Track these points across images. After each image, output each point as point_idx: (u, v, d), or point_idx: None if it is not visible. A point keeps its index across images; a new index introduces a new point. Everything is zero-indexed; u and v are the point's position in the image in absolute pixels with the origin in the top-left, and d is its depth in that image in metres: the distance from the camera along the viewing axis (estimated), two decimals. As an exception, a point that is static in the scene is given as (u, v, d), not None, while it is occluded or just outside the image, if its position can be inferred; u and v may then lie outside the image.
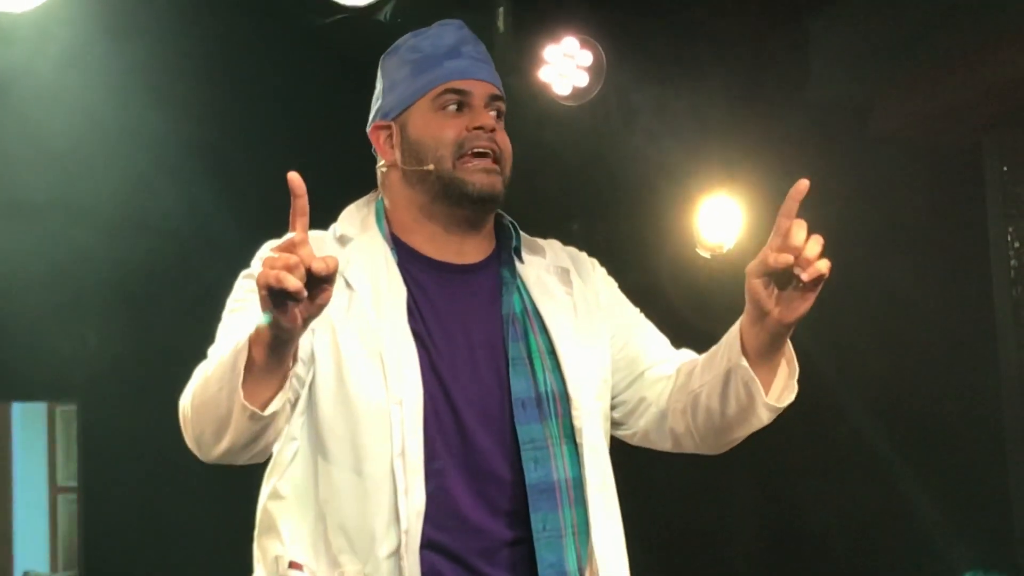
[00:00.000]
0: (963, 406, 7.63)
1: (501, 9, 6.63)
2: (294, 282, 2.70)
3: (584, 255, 3.76)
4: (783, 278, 3.18)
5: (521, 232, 3.60)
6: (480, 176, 3.38)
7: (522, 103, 6.59)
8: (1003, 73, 6.96)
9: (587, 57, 6.74)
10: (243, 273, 3.41)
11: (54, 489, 11.58)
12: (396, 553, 3.22)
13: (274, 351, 2.91)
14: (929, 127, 7.53)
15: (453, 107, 3.43)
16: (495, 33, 6.67)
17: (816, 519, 8.59)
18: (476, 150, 3.39)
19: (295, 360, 3.00)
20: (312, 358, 3.30)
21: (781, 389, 3.41)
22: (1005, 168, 7.24)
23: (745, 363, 3.31)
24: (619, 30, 6.77)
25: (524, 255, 3.59)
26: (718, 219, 7.87)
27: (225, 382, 2.98)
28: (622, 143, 7.36)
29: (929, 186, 7.66)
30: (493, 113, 3.45)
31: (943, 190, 7.62)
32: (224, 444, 3.08)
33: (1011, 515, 7.23)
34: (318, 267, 2.71)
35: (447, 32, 3.52)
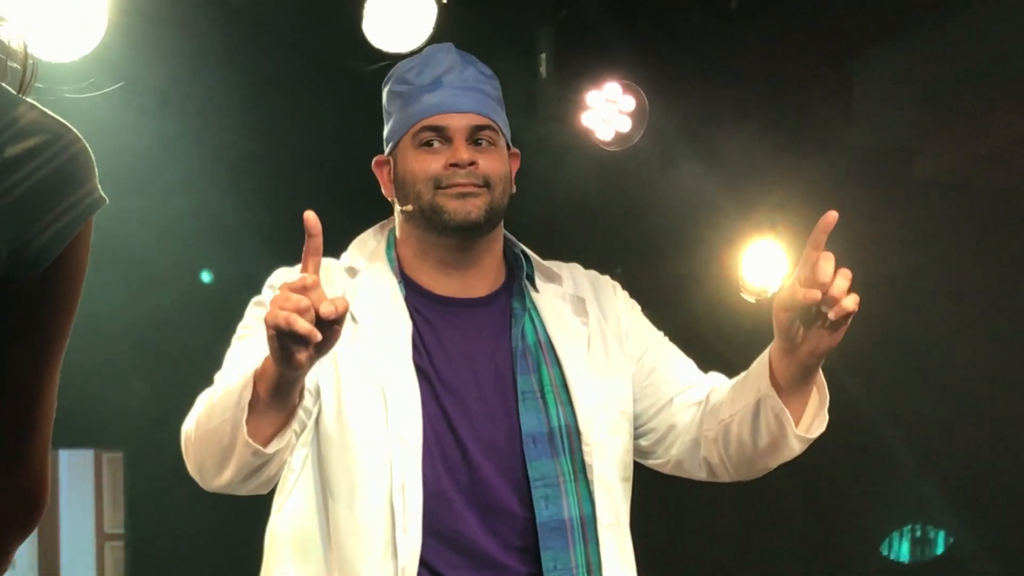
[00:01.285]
0: (1006, 445, 7.61)
1: (543, 55, 6.65)
2: (304, 325, 2.70)
3: (606, 278, 3.76)
4: (811, 313, 3.16)
5: (536, 259, 3.61)
6: (455, 203, 3.35)
7: (565, 149, 6.62)
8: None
9: (629, 102, 6.74)
10: (253, 300, 3.45)
11: (101, 536, 11.59)
12: None
13: (279, 389, 2.92)
14: (974, 170, 7.52)
15: (431, 143, 3.41)
16: (538, 78, 6.70)
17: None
18: (453, 186, 3.36)
19: (301, 396, 3.01)
20: (318, 391, 3.29)
21: (812, 418, 3.39)
22: (1056, 211, 7.23)
23: (774, 394, 3.30)
24: (661, 75, 6.77)
25: (539, 283, 3.58)
26: (763, 263, 7.86)
27: (228, 416, 2.98)
28: (665, 188, 7.36)
29: (974, 229, 7.64)
30: (475, 143, 3.40)
31: (988, 233, 7.60)
32: (225, 476, 3.10)
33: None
34: (327, 311, 2.71)
35: (434, 59, 3.47)
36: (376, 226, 3.63)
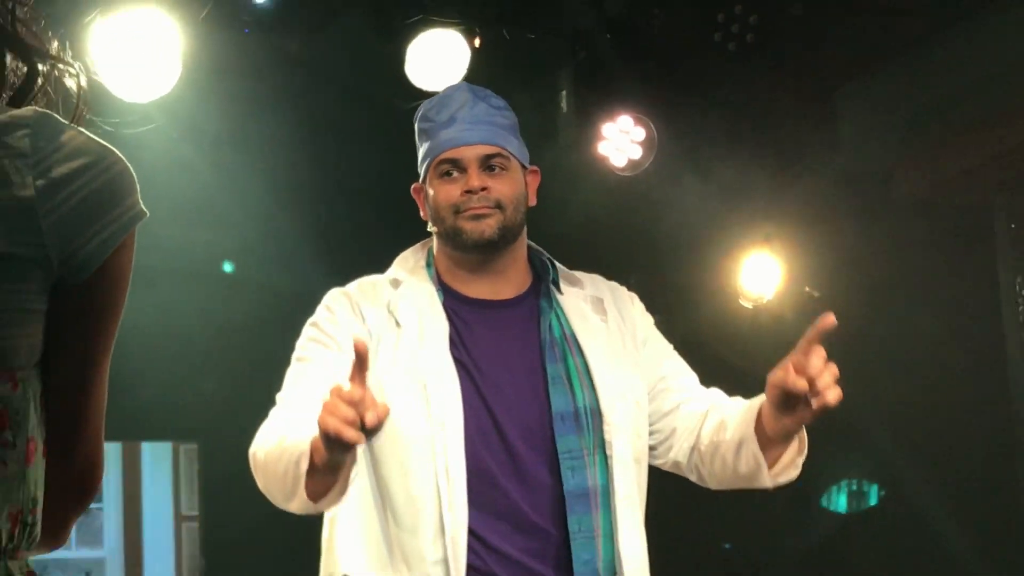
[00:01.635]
0: (978, 435, 7.59)
1: (564, 92, 6.67)
2: (352, 435, 2.72)
3: (624, 289, 3.78)
4: (798, 396, 3.15)
5: (560, 267, 3.63)
6: (471, 224, 3.41)
7: (583, 174, 6.62)
8: (1010, 141, 6.92)
9: (640, 133, 6.74)
10: (309, 321, 3.48)
11: (178, 517, 11.64)
12: (443, 561, 3.25)
13: (330, 464, 2.93)
14: (946, 190, 7.50)
15: (445, 174, 3.47)
16: (559, 112, 6.70)
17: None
18: (468, 210, 3.42)
19: (353, 460, 3.00)
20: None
21: (786, 465, 3.40)
22: (1013, 225, 7.20)
23: (755, 442, 3.34)
24: (669, 108, 6.77)
25: (563, 287, 3.60)
26: (759, 273, 7.86)
27: (290, 475, 3.03)
28: (673, 208, 7.36)
29: (946, 242, 7.63)
30: (487, 169, 3.45)
31: (959, 246, 7.59)
32: (291, 508, 3.16)
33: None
34: (371, 421, 2.72)
35: (450, 98, 3.53)
36: (416, 245, 3.67)
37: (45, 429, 1.70)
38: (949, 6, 6.72)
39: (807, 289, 7.98)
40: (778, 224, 7.82)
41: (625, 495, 3.42)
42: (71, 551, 12.00)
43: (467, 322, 3.47)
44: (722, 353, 7.93)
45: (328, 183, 7.44)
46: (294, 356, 3.47)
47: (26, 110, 1.67)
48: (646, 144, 6.77)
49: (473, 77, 6.08)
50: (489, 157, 3.46)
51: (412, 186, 3.62)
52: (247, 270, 8.26)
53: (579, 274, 3.69)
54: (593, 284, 3.68)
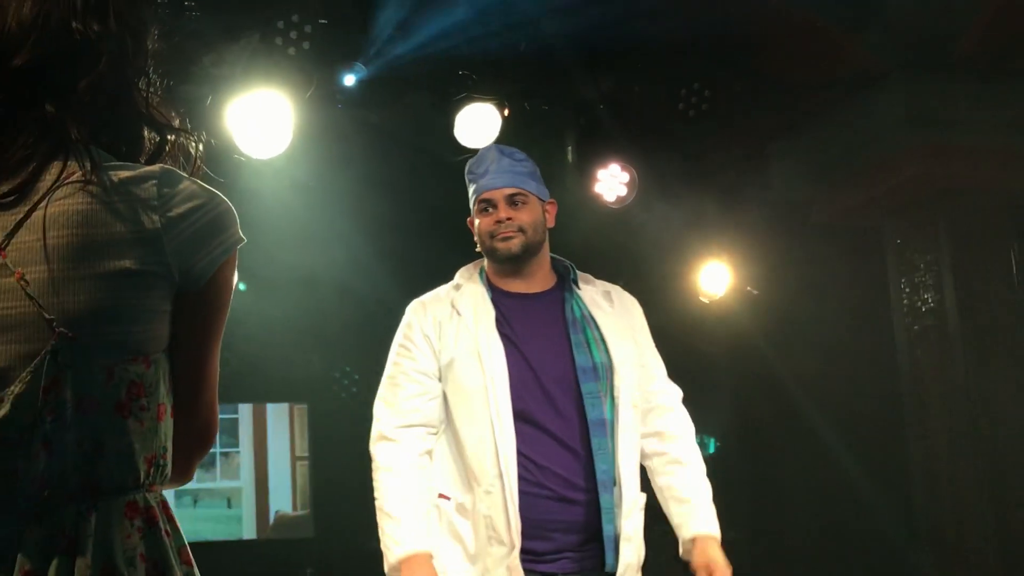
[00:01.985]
0: (873, 397, 7.59)
1: (569, 147, 6.66)
2: None
3: (629, 295, 3.80)
4: None
5: (577, 271, 3.70)
6: (501, 245, 3.55)
7: (582, 207, 6.62)
8: (894, 180, 6.92)
9: (626, 176, 6.74)
10: (396, 341, 3.62)
11: (293, 458, 11.62)
12: (500, 475, 3.34)
13: None
14: (848, 216, 7.49)
15: (484, 210, 3.60)
16: (565, 162, 6.70)
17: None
18: (498, 235, 3.56)
19: None
20: (440, 368, 3.49)
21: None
22: (899, 240, 7.17)
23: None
24: (647, 158, 6.78)
25: (580, 284, 3.68)
26: (713, 277, 7.85)
27: (386, 542, 3.38)
28: (649, 231, 7.36)
29: (849, 254, 7.63)
30: (511, 204, 3.57)
31: (858, 257, 7.59)
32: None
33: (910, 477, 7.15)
34: None
35: (484, 156, 3.66)
36: (473, 262, 3.75)
37: (172, 397, 1.73)
38: (848, 84, 6.73)
39: (749, 288, 7.98)
40: (728, 241, 7.81)
41: (624, 426, 3.45)
42: (216, 482, 12.00)
43: (509, 308, 3.56)
44: (685, 335, 7.93)
45: (398, 216, 7.45)
46: (386, 372, 3.59)
47: (155, 166, 1.71)
48: (630, 185, 6.76)
49: (503, 137, 6.09)
50: (513, 195, 3.56)
51: (467, 219, 3.70)
52: (339, 280, 8.28)
53: (591, 278, 3.77)
54: (603, 284, 3.75)
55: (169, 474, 1.73)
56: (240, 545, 11.22)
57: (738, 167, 7.43)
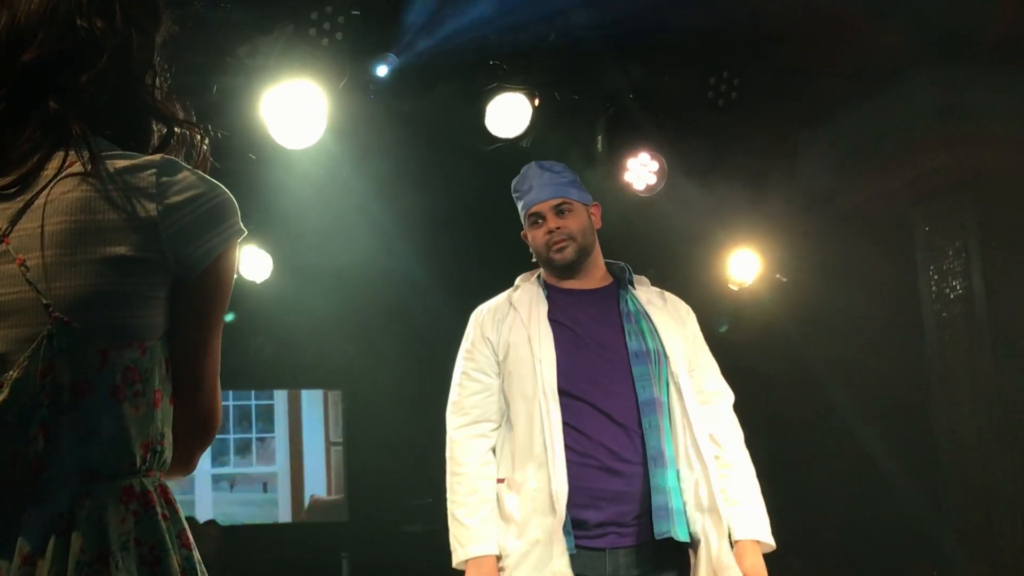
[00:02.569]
0: (901, 381, 7.58)
1: (600, 136, 6.66)
2: None
3: (683, 303, 3.88)
4: None
5: (633, 273, 3.81)
6: (555, 255, 3.71)
7: (613, 195, 6.62)
8: (923, 167, 6.91)
9: (655, 165, 6.72)
10: (462, 349, 3.75)
11: (327, 443, 11.69)
12: (545, 447, 3.45)
13: None
14: (876, 204, 7.48)
15: (534, 223, 3.76)
16: (596, 151, 6.70)
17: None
18: (552, 245, 3.71)
19: None
20: (498, 364, 3.64)
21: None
22: (927, 228, 7.16)
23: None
24: (676, 147, 6.77)
25: (636, 284, 3.80)
26: (742, 264, 7.86)
27: (456, 540, 3.52)
28: (679, 219, 7.34)
29: (877, 242, 7.61)
30: (558, 214, 3.71)
31: (887, 244, 7.56)
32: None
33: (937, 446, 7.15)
34: None
35: (527, 174, 3.80)
36: (532, 270, 3.88)
37: (170, 385, 1.74)
38: (875, 73, 6.72)
39: (777, 275, 7.98)
40: (756, 229, 7.80)
41: (682, 407, 3.56)
42: (252, 467, 12.10)
43: (563, 301, 3.71)
44: (716, 321, 7.93)
45: (430, 206, 7.48)
46: (456, 366, 3.73)
47: (156, 156, 1.73)
48: (660, 173, 6.75)
49: (534, 128, 6.11)
50: (559, 206, 3.73)
51: (521, 233, 3.85)
52: (372, 269, 8.33)
53: (648, 281, 3.89)
54: (657, 289, 3.87)
55: (168, 461, 1.74)
56: (276, 529, 11.32)
57: (766, 155, 7.42)
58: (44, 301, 1.64)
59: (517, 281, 3.84)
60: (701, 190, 7.10)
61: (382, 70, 5.91)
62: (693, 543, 3.46)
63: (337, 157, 6.35)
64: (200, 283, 1.72)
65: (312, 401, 11.84)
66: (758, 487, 3.66)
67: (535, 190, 3.74)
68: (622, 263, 3.82)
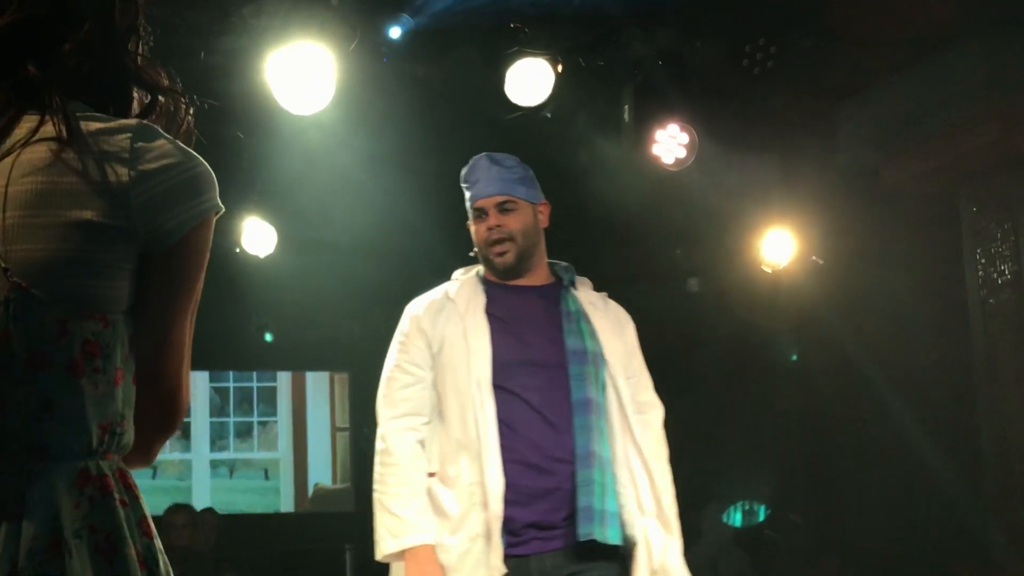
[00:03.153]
0: (946, 369, 7.54)
1: (626, 106, 6.60)
2: None
3: (623, 310, 3.99)
4: None
5: (576, 275, 3.93)
6: (497, 260, 3.80)
7: (639, 169, 6.57)
8: (970, 144, 6.84)
9: (685, 137, 6.66)
10: (395, 340, 3.83)
11: (333, 429, 11.69)
12: (479, 440, 3.56)
13: None
14: (921, 182, 7.42)
15: (478, 217, 3.84)
16: (622, 122, 6.64)
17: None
18: (491, 243, 3.80)
19: None
20: (432, 357, 3.72)
21: None
22: (975, 209, 7.09)
23: None
24: (707, 118, 6.70)
25: (578, 285, 3.91)
26: (776, 245, 7.82)
27: (383, 530, 3.64)
28: (709, 196, 7.33)
29: (921, 222, 7.59)
30: (502, 212, 3.79)
31: (931, 225, 7.55)
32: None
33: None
34: None
35: (476, 166, 3.87)
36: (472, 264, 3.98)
37: (133, 364, 1.73)
38: (922, 42, 6.66)
39: (813, 258, 7.93)
40: (791, 207, 7.77)
41: (619, 410, 3.69)
42: (254, 453, 12.08)
43: (502, 296, 3.80)
44: (748, 305, 7.90)
45: (445, 177, 7.42)
46: (388, 357, 3.81)
47: (132, 120, 1.74)
48: (689, 146, 6.69)
49: (556, 96, 6.05)
50: (502, 203, 3.80)
51: (466, 223, 3.90)
52: (384, 243, 8.28)
53: (590, 283, 3.99)
54: (599, 293, 3.96)
55: (128, 444, 1.73)
56: (277, 518, 11.30)
57: (804, 129, 7.38)
58: (2, 265, 1.62)
59: (455, 274, 3.94)
60: (733, 165, 7.06)
61: (395, 32, 5.87)
62: (628, 546, 3.59)
63: (347, 125, 6.32)
64: (170, 257, 1.72)
65: (317, 384, 11.81)
66: (675, 508, 3.78)
67: (482, 183, 3.82)
68: (566, 263, 3.93)
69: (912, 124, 7.15)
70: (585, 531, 3.50)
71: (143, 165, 1.68)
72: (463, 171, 3.91)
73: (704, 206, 7.51)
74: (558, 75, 6.07)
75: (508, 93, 6.02)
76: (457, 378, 3.63)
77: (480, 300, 3.75)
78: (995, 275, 6.93)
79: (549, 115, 6.19)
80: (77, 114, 1.70)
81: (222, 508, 10.01)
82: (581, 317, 3.77)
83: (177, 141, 1.75)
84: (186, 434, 12.11)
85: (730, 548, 8.69)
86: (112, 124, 1.71)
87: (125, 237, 1.67)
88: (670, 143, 6.68)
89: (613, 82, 6.62)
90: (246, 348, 10.20)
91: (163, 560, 1.71)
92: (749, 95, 6.72)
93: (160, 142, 1.71)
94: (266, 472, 11.92)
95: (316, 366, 11.45)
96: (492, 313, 3.73)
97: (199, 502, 10.28)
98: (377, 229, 8.04)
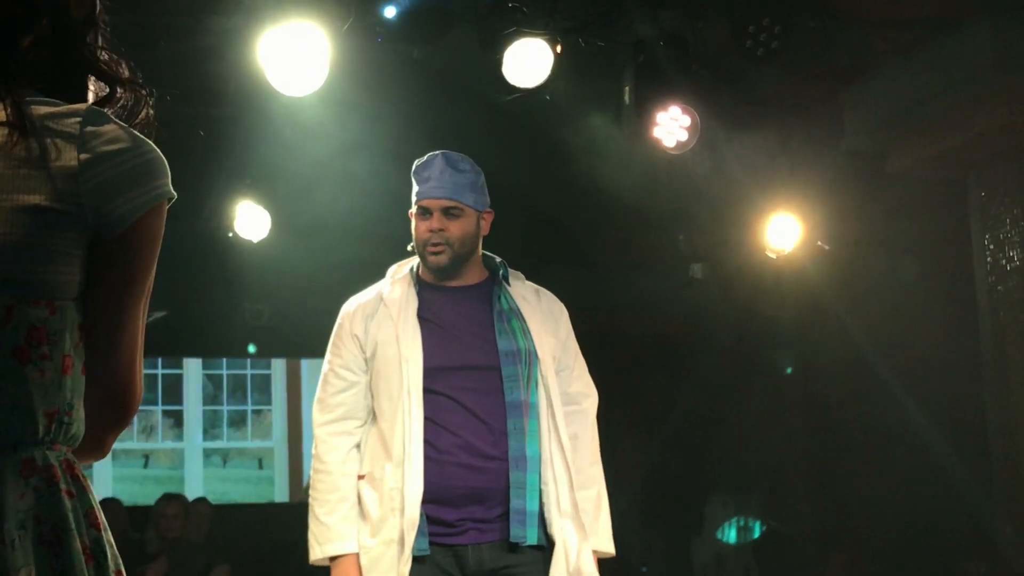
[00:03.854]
0: (952, 355, 7.54)
1: (627, 87, 6.57)
2: None
3: (557, 300, 4.07)
4: None
5: (509, 268, 4.00)
6: (432, 259, 3.86)
7: (639, 152, 6.55)
8: (977, 128, 6.82)
9: (687, 120, 6.62)
10: (330, 343, 3.94)
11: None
12: (404, 443, 3.66)
13: None
14: (928, 166, 7.40)
15: (421, 215, 3.88)
16: (622, 104, 6.62)
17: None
18: (429, 244, 3.85)
19: None
20: (366, 360, 3.82)
21: None
22: (983, 194, 7.09)
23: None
24: (710, 100, 6.68)
25: (511, 281, 3.98)
26: (781, 230, 7.81)
27: (315, 537, 3.75)
28: (712, 180, 7.32)
29: (928, 207, 7.58)
30: (446, 215, 3.84)
31: (939, 210, 7.55)
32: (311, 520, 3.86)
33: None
34: None
35: (430, 164, 3.90)
36: (406, 259, 4.05)
37: (84, 353, 1.74)
38: (930, 24, 6.64)
39: (819, 243, 7.93)
40: (796, 192, 7.77)
41: (544, 407, 3.78)
42: (248, 441, 12.09)
43: (434, 299, 3.88)
44: (751, 293, 7.89)
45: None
46: (325, 364, 3.93)
47: (82, 104, 1.75)
48: (691, 129, 6.66)
49: (555, 77, 6.03)
50: (448, 208, 3.85)
51: (409, 211, 3.97)
52: (379, 227, 8.26)
53: (522, 276, 4.07)
54: (531, 284, 4.05)
55: (78, 435, 1.73)
56: (271, 508, 11.29)
57: (809, 112, 7.36)
58: None
59: (390, 271, 4.01)
60: (737, 148, 7.03)
61: (390, 11, 5.86)
62: (549, 545, 3.71)
63: (341, 106, 6.31)
64: (120, 244, 1.72)
65: (313, 371, 11.80)
66: (606, 495, 3.93)
67: (432, 182, 3.86)
68: (499, 258, 4.00)
69: (919, 107, 7.12)
70: (517, 534, 3.66)
71: (92, 150, 1.69)
72: (417, 162, 3.96)
73: (707, 191, 7.50)
74: (557, 56, 6.04)
75: (506, 74, 5.98)
76: (390, 384, 3.74)
77: (412, 303, 3.84)
78: (1004, 261, 6.92)
79: (548, 97, 6.16)
80: (27, 99, 1.70)
81: (215, 498, 10.02)
82: (514, 315, 3.86)
83: (130, 128, 1.76)
84: (179, 422, 12.11)
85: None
86: (62, 109, 1.72)
87: (75, 223, 1.68)
88: (672, 126, 6.64)
89: (614, 63, 6.60)
90: (240, 335, 10.19)
91: (111, 552, 1.71)
92: (753, 77, 6.69)
93: (110, 127, 1.72)
94: (260, 461, 11.93)
95: (311, 353, 11.40)
96: (424, 317, 3.83)
97: (192, 492, 10.29)
98: (372, 213, 8.02)
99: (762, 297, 8.12)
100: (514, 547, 3.68)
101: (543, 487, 3.71)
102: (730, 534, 8.86)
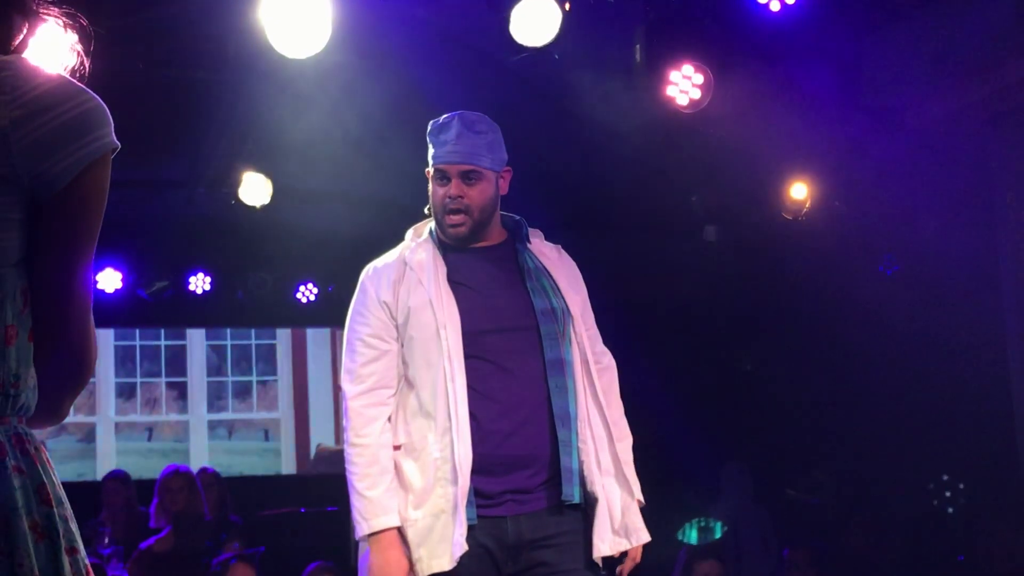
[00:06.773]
0: (973, 327, 7.53)
1: (638, 45, 6.54)
2: None
3: (569, 257, 4.12)
4: None
5: (527, 226, 4.03)
6: (451, 230, 3.87)
7: (651, 112, 6.53)
8: (1003, 80, 6.81)
9: (700, 78, 6.60)
10: (352, 309, 3.92)
11: (336, 388, 11.72)
12: (449, 413, 3.66)
13: None
14: (950, 121, 7.40)
15: (439, 179, 3.87)
16: (634, 62, 6.60)
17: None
18: (448, 212, 3.85)
19: None
20: (397, 328, 3.81)
21: None
22: (1006, 150, 7.09)
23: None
24: (723, 57, 6.65)
25: (531, 238, 4.02)
26: (797, 191, 7.81)
27: (360, 511, 3.71)
28: (726, 139, 7.30)
29: (949, 165, 7.58)
30: (465, 181, 3.84)
31: (960, 167, 7.54)
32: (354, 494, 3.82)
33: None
34: None
35: (448, 126, 3.88)
36: (423, 221, 4.05)
37: (29, 320, 1.69)
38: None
39: (836, 203, 7.93)
40: (814, 153, 7.76)
41: (578, 365, 3.83)
42: (253, 413, 12.12)
43: (461, 261, 3.89)
44: (770, 252, 7.89)
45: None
46: (348, 328, 3.90)
47: (9, 56, 1.67)
48: (704, 88, 6.63)
49: (564, 34, 6.00)
50: (467, 172, 3.84)
51: (426, 170, 3.94)
52: (383, 192, 8.26)
53: (541, 234, 4.11)
54: (550, 243, 4.09)
55: (29, 405, 1.69)
56: (278, 480, 11.33)
57: (827, 67, 7.32)
58: None
59: (408, 234, 4.03)
60: (751, 107, 7.00)
61: (394, -30, 5.81)
62: (589, 503, 3.75)
63: (344, 68, 6.29)
64: (62, 203, 1.67)
65: (318, 341, 11.83)
66: (631, 457, 3.95)
67: (449, 146, 3.85)
68: (518, 216, 4.03)
69: (940, 61, 7.12)
70: (568, 492, 3.70)
71: (23, 107, 1.63)
72: (433, 123, 3.95)
73: (721, 151, 7.48)
74: (566, 13, 6.01)
75: (513, 33, 5.94)
76: (428, 352, 3.73)
77: (441, 267, 3.85)
78: (1026, 217, 6.94)
79: (556, 56, 6.13)
80: None
81: (221, 470, 10.05)
82: (541, 274, 3.91)
83: (64, 75, 1.70)
84: (183, 394, 12.15)
85: (750, 506, 8.70)
86: None
87: (10, 187, 1.63)
88: (684, 84, 6.61)
89: (624, 19, 6.57)
90: (244, 304, 10.19)
91: (64, 528, 1.66)
92: (769, 32, 6.66)
93: (40, 79, 1.65)
94: (266, 433, 11.97)
95: (317, 322, 11.45)
96: (455, 280, 3.83)
97: (197, 464, 10.32)
98: (377, 179, 8.02)
99: (778, 259, 8.12)
100: (554, 513, 3.72)
101: (581, 445, 3.75)
102: (691, 535, 8.89)
